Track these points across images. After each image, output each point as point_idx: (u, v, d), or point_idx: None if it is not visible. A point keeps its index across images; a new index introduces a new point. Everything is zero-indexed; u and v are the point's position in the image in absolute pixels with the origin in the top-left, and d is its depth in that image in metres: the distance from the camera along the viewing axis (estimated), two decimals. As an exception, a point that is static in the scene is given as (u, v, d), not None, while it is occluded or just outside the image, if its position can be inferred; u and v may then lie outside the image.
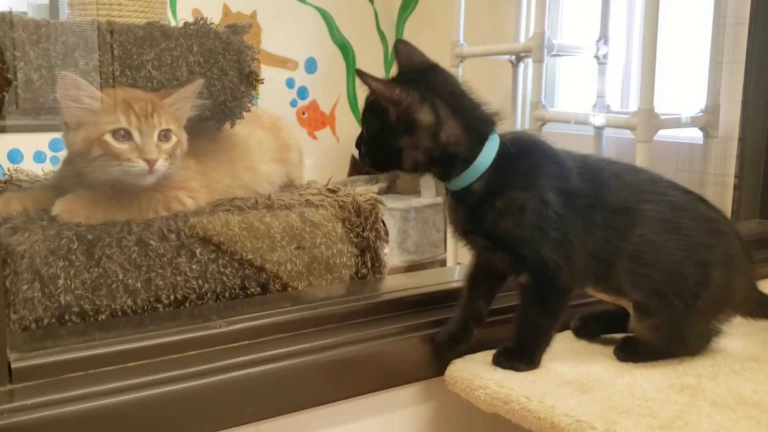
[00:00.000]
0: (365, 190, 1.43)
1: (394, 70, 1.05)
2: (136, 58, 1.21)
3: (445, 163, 1.00)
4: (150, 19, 1.37)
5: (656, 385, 1.00)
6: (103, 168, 1.17)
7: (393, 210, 3.49)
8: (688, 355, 1.08)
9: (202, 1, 3.53)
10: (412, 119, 0.97)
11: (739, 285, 1.08)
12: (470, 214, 1.02)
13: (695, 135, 2.53)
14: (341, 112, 4.12)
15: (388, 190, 3.87)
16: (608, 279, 1.05)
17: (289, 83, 3.92)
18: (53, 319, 1.11)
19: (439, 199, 3.71)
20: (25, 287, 1.09)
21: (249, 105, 1.34)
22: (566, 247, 1.00)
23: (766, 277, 1.48)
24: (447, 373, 1.08)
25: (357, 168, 3.89)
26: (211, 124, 1.34)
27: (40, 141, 2.91)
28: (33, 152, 2.96)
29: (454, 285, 1.21)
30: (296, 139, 1.57)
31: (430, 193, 3.75)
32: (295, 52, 3.92)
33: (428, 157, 1.00)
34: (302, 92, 3.98)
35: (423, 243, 3.68)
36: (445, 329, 1.10)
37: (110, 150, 1.17)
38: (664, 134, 2.52)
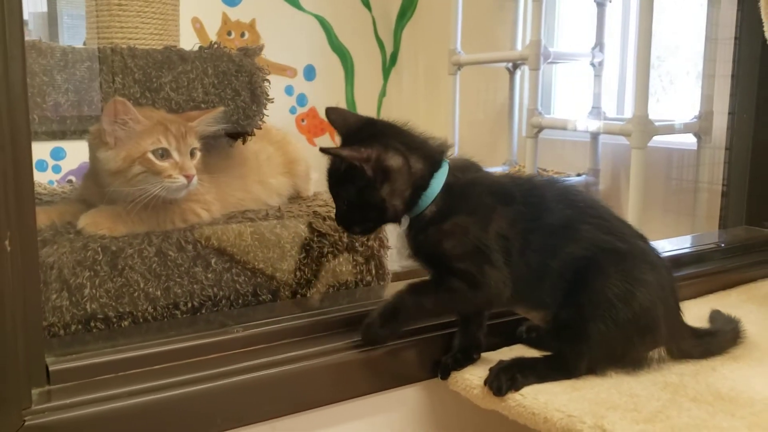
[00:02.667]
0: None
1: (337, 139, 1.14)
2: (155, 80, 1.30)
3: (413, 198, 1.08)
4: (164, 41, 1.45)
5: (642, 383, 1.08)
6: (142, 184, 1.27)
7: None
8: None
9: (202, 9, 3.57)
10: (386, 167, 1.06)
11: (663, 316, 1.11)
12: (419, 237, 1.10)
13: (689, 141, 2.61)
14: (341, 119, 4.18)
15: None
16: (533, 294, 1.11)
17: (288, 90, 3.96)
18: (80, 326, 1.19)
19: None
20: (54, 296, 1.17)
21: (260, 123, 1.42)
22: (498, 269, 1.06)
23: (754, 281, 1.57)
24: (448, 372, 1.16)
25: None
26: (224, 142, 1.42)
27: (42, 150, 2.97)
28: (35, 161, 3.01)
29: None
30: (303, 153, 1.65)
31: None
32: (294, 60, 3.96)
33: (403, 198, 1.08)
34: (301, 99, 4.03)
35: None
36: (450, 357, 1.17)
37: (153, 167, 1.27)
38: (658, 140, 2.60)
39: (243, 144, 1.45)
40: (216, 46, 1.37)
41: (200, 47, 1.36)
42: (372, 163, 1.05)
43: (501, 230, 1.07)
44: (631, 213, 2.37)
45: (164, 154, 1.28)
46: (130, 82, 1.27)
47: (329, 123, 1.14)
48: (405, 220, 1.11)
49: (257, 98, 1.39)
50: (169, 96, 1.31)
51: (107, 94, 1.25)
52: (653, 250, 1.15)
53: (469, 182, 1.11)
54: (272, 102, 1.43)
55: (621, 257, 1.08)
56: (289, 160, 1.59)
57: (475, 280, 1.06)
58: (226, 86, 1.36)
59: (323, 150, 1.05)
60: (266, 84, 1.41)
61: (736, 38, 1.82)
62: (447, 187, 1.09)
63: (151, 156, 1.26)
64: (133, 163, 1.26)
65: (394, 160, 1.07)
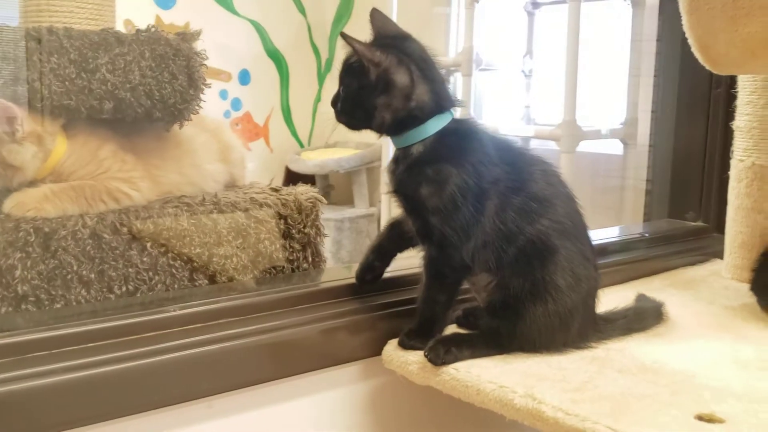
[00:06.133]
0: (306, 189, 1.52)
1: (369, 37, 1.12)
2: (91, 61, 1.28)
3: (405, 124, 1.09)
4: (100, 26, 1.44)
5: (569, 358, 1.12)
6: None
7: (327, 220, 3.56)
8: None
9: (134, 11, 3.52)
10: (390, 79, 1.06)
11: (581, 314, 1.15)
12: (402, 175, 1.11)
13: (617, 147, 2.72)
14: (275, 124, 4.17)
15: (322, 201, 3.94)
16: (493, 255, 1.10)
17: (223, 95, 3.94)
18: (10, 309, 1.17)
19: (373, 209, 3.81)
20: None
21: (197, 107, 1.42)
22: (471, 227, 1.08)
23: (675, 268, 1.64)
24: (383, 352, 1.18)
25: (291, 178, 3.95)
26: (160, 125, 1.41)
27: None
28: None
29: (389, 275, 1.30)
30: (238, 141, 1.66)
31: (363, 203, 3.83)
32: (229, 64, 3.95)
33: (395, 116, 1.08)
34: (236, 104, 4.02)
35: (357, 253, 3.76)
36: (360, 265, 1.22)
37: None
38: (588, 146, 2.69)
39: (180, 128, 1.45)
40: (153, 29, 1.37)
41: (138, 30, 1.36)
42: (379, 69, 1.05)
43: (482, 185, 1.08)
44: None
45: None
46: (65, 62, 1.25)
47: (371, 22, 1.13)
48: (392, 150, 1.12)
49: (194, 82, 1.39)
50: (105, 77, 1.30)
51: (42, 73, 1.23)
52: (593, 246, 1.17)
53: (463, 132, 1.11)
54: (209, 87, 1.43)
55: (575, 247, 1.11)
56: (224, 147, 1.59)
57: (444, 239, 1.08)
58: (163, 69, 1.36)
59: (343, 35, 1.05)
60: (203, 68, 1.41)
61: (660, 40, 1.90)
62: (442, 134, 1.09)
63: None
64: None
65: (401, 78, 1.07)
